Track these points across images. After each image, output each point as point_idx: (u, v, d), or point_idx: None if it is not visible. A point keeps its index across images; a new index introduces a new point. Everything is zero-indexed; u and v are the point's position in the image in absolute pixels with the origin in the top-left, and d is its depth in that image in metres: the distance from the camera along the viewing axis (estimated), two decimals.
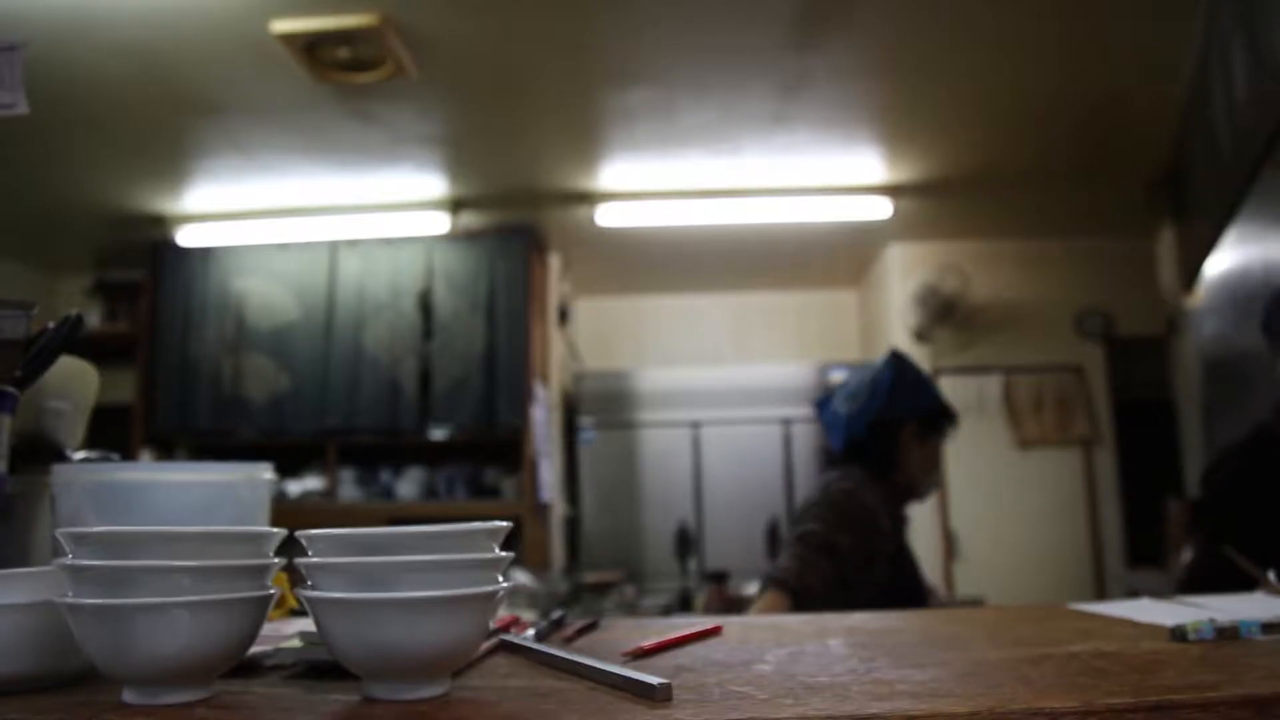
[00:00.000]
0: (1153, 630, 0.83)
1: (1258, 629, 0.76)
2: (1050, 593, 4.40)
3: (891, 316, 4.95)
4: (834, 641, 0.82)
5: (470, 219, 4.52)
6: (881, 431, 1.96)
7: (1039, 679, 0.62)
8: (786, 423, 5.19)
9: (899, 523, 1.98)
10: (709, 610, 4.07)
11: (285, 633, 0.82)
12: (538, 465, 4.46)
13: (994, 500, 4.71)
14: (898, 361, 2.04)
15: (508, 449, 4.43)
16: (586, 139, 3.74)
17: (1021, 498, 4.73)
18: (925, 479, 1.99)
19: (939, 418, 2.00)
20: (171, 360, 4.53)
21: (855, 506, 1.85)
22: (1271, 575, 1.02)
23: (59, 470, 0.83)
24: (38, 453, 0.93)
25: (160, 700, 0.57)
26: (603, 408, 5.31)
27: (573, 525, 5.21)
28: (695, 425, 5.18)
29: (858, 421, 1.99)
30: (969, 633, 0.89)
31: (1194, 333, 3.51)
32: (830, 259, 5.34)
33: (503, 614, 0.93)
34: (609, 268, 5.43)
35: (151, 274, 4.61)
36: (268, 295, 4.53)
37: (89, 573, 0.57)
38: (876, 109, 3.51)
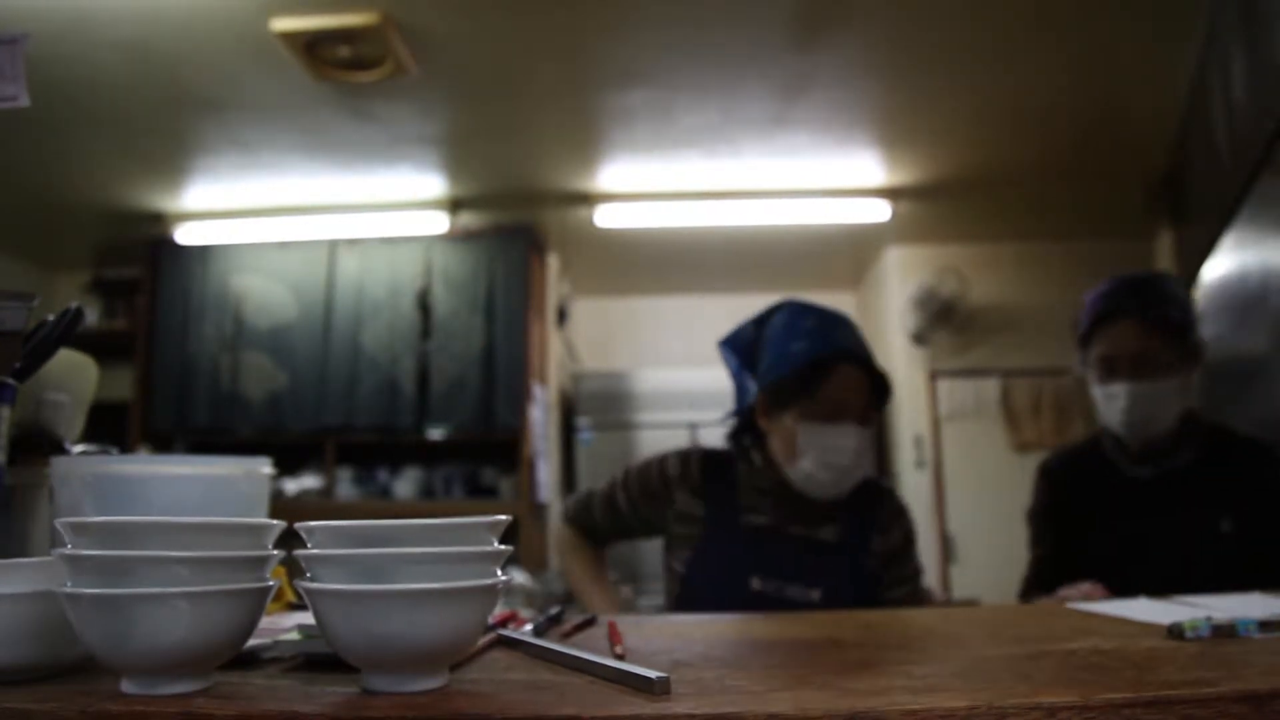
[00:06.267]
0: (1150, 628, 0.83)
1: (1255, 627, 0.76)
2: None
3: (890, 319, 4.95)
4: (832, 637, 0.82)
5: (469, 219, 4.52)
6: (743, 421, 1.63)
7: (1037, 674, 0.62)
8: None
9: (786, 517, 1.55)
10: None
11: (284, 626, 0.82)
12: (535, 465, 4.46)
13: (991, 503, 4.70)
14: (761, 320, 1.70)
15: (505, 449, 4.43)
16: (586, 139, 3.74)
17: (1019, 500, 4.69)
18: (791, 466, 1.51)
19: (786, 384, 1.51)
20: (169, 358, 4.52)
21: (651, 472, 1.62)
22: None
23: (58, 462, 0.83)
24: (37, 444, 0.93)
25: (159, 690, 0.57)
26: (601, 408, 5.31)
27: None
28: (693, 426, 5.17)
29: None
30: (968, 631, 0.89)
31: None
32: (829, 261, 5.34)
33: (500, 610, 0.93)
34: (608, 268, 5.43)
35: (150, 272, 4.60)
36: (266, 293, 4.53)
37: (88, 562, 0.57)
38: (876, 111, 3.52)
